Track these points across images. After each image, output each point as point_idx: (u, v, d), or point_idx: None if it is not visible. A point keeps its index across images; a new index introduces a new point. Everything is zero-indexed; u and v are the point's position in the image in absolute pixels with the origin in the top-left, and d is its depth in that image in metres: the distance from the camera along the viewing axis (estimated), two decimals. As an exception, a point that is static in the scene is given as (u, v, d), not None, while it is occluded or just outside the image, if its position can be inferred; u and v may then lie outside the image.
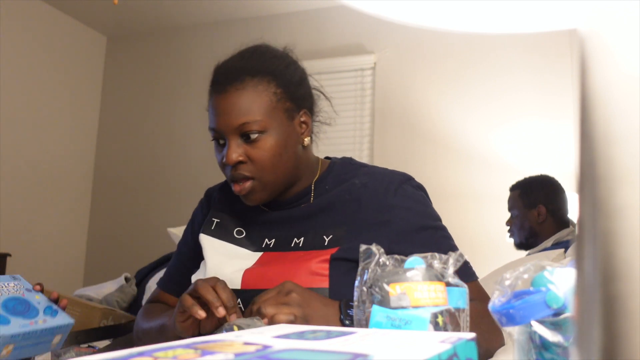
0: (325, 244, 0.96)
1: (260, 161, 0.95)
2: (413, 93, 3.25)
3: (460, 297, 0.61)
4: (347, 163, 1.09)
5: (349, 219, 0.98)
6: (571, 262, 0.52)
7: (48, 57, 3.63)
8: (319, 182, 1.05)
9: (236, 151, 0.95)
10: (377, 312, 0.58)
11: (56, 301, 0.94)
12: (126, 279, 2.60)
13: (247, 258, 1.00)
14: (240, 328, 0.73)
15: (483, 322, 0.76)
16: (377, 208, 0.97)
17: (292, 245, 0.99)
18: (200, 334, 0.84)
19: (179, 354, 0.37)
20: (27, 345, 0.86)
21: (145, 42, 4.00)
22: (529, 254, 2.26)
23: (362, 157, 3.24)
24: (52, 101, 3.66)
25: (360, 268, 0.63)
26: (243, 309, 0.93)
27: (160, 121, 3.83)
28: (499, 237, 2.70)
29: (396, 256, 0.63)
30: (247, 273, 0.96)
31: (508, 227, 2.42)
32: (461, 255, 0.64)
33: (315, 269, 0.92)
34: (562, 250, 2.01)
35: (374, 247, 0.63)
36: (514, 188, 2.41)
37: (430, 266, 0.62)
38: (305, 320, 0.79)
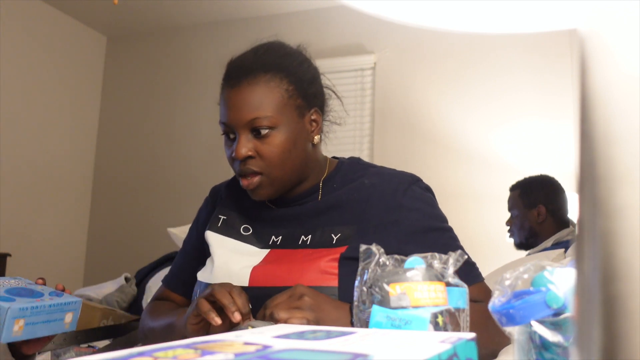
0: (334, 242, 0.96)
1: (269, 157, 0.95)
2: (413, 93, 3.25)
3: (460, 297, 0.61)
4: (355, 163, 1.10)
5: (357, 218, 0.98)
6: (571, 262, 0.52)
7: (48, 57, 3.63)
8: (327, 180, 1.05)
9: (246, 146, 0.95)
10: (377, 312, 0.58)
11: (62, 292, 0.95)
12: (126, 279, 2.60)
13: (254, 255, 1.00)
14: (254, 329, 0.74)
15: (490, 323, 0.76)
16: (386, 208, 0.97)
17: (300, 243, 0.99)
18: None
19: (179, 354, 0.37)
20: (39, 323, 0.86)
21: (145, 42, 4.00)
22: (529, 254, 2.26)
23: (362, 157, 3.23)
24: (52, 101, 3.66)
25: (360, 268, 0.63)
26: (251, 307, 0.93)
27: (160, 121, 3.83)
28: (499, 237, 2.70)
29: (396, 256, 0.63)
30: (255, 270, 0.96)
31: (508, 227, 2.42)
32: (461, 255, 0.64)
33: (324, 268, 0.92)
34: (562, 250, 2.01)
35: (374, 247, 0.63)
36: (514, 188, 2.41)
37: (430, 266, 0.62)
38: (318, 324, 0.79)
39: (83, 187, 3.90)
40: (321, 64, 1.11)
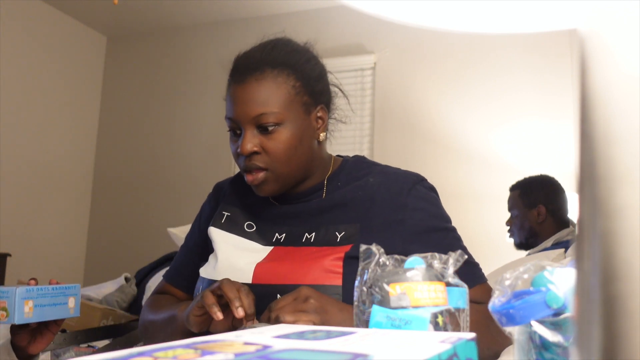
0: (338, 240, 0.96)
1: (274, 153, 0.95)
2: (413, 93, 3.25)
3: (460, 297, 0.61)
4: (360, 161, 1.09)
5: (362, 217, 0.98)
6: (571, 262, 0.52)
7: (48, 57, 3.63)
8: (331, 178, 1.05)
9: (251, 141, 0.95)
10: (377, 312, 0.58)
11: None
12: (126, 279, 2.60)
13: (257, 252, 1.00)
14: None
15: (493, 324, 0.76)
16: (391, 207, 0.97)
17: (304, 240, 0.99)
18: (209, 333, 0.84)
19: (179, 354, 0.37)
20: (46, 305, 0.92)
21: (145, 42, 4.00)
22: (529, 254, 2.26)
23: (362, 157, 3.23)
24: (52, 101, 3.66)
25: (360, 268, 0.63)
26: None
27: (160, 121, 3.83)
28: (499, 237, 2.70)
29: (396, 256, 0.63)
30: (259, 267, 0.96)
31: (508, 227, 2.42)
32: (461, 255, 0.64)
33: (329, 266, 0.92)
34: (562, 250, 2.01)
35: (374, 247, 0.63)
36: (514, 188, 2.41)
37: (430, 266, 0.62)
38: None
39: (83, 187, 3.90)
40: (321, 64, 1.10)
